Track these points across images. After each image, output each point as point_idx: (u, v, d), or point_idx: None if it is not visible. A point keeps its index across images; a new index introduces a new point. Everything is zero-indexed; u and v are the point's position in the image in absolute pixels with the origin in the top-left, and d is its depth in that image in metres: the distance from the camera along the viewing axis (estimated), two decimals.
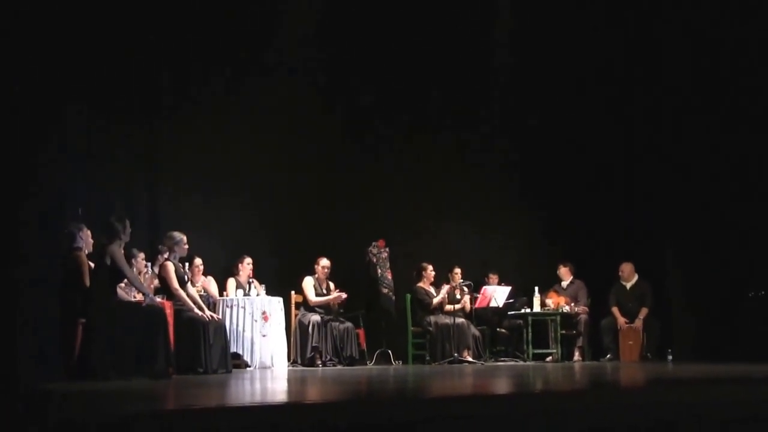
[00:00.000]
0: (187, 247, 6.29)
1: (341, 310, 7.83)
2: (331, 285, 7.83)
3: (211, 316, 6.37)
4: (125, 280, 5.69)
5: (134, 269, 6.36)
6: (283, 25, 8.05)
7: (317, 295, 7.68)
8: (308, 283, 7.68)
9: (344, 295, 7.67)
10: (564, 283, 8.58)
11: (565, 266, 8.56)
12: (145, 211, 7.41)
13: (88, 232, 5.65)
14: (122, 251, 5.48)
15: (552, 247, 8.84)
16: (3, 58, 4.58)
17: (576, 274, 8.58)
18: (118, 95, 7.19)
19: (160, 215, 7.45)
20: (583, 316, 8.28)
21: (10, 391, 4.18)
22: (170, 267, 6.13)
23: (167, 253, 6.22)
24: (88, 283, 5.37)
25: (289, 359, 7.35)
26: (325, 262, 7.76)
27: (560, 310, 8.20)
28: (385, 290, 8.21)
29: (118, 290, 5.65)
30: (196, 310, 6.22)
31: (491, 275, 8.57)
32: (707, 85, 7.73)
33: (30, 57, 4.77)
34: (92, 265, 5.53)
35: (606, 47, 8.71)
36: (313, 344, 7.32)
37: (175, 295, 6.14)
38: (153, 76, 7.44)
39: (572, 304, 8.32)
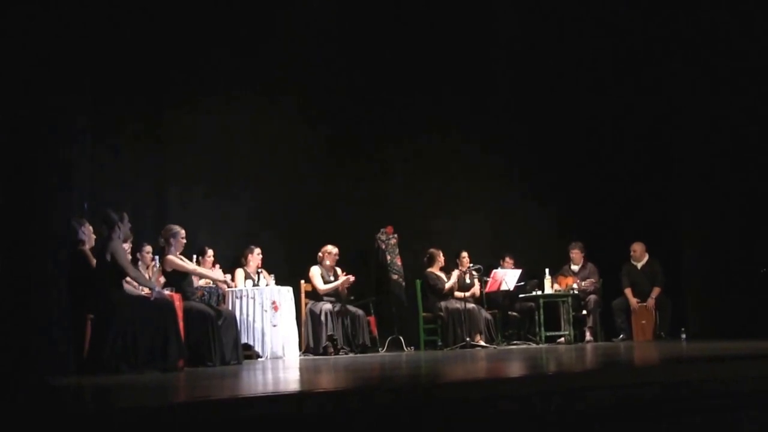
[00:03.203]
0: (184, 241, 6.21)
1: (351, 297, 7.79)
2: (339, 271, 7.79)
3: (225, 281, 6.53)
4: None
5: (141, 263, 6.34)
6: (291, 18, 7.98)
7: (325, 282, 7.64)
8: (315, 273, 7.63)
9: (352, 278, 7.60)
10: (575, 267, 8.51)
11: (576, 249, 8.48)
12: (152, 203, 7.39)
13: (90, 228, 5.63)
14: (123, 246, 5.43)
15: (562, 229, 8.79)
16: (7, 53, 4.56)
17: (587, 257, 8.50)
18: (124, 88, 7.16)
19: (168, 208, 7.43)
20: (593, 296, 8.23)
21: (22, 385, 4.17)
22: (174, 258, 6.09)
23: (165, 247, 6.14)
24: (91, 277, 5.34)
25: (300, 349, 7.32)
26: (331, 249, 7.71)
27: (570, 291, 8.15)
28: (395, 276, 8.17)
29: (126, 285, 5.61)
30: (214, 275, 6.41)
31: (507, 258, 8.52)
32: (720, 64, 7.63)
33: (33, 51, 4.75)
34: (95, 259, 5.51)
35: (614, 24, 8.62)
36: (328, 332, 7.26)
37: (194, 273, 6.16)
38: (160, 69, 7.39)
39: (580, 282, 8.25)
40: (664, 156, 8.49)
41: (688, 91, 8.04)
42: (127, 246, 5.82)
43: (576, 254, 8.48)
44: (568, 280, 8.34)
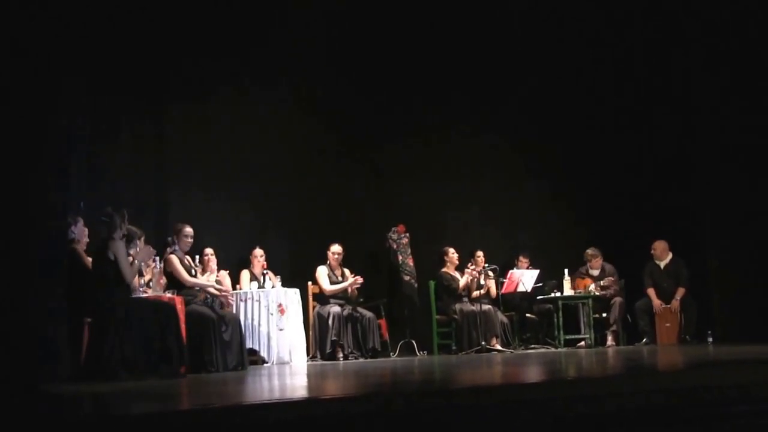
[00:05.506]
0: (190, 240, 6.15)
1: (360, 299, 7.62)
2: (347, 272, 7.62)
3: (226, 293, 6.34)
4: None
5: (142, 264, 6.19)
6: (299, 13, 7.84)
7: (332, 283, 7.47)
8: (322, 273, 7.49)
9: (360, 279, 7.46)
10: (594, 272, 8.26)
11: (597, 258, 8.20)
12: (153, 203, 7.26)
13: (82, 225, 5.50)
14: (124, 246, 5.28)
15: (580, 228, 8.59)
16: (6, 52, 4.47)
17: (604, 258, 8.25)
18: (125, 86, 7.05)
19: (169, 208, 7.29)
20: (618, 299, 8.00)
21: (18, 393, 4.03)
22: (174, 259, 5.99)
23: (171, 246, 6.04)
24: (86, 277, 5.19)
25: (308, 353, 7.15)
26: (336, 248, 7.58)
27: (591, 293, 7.90)
28: (407, 277, 7.97)
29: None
30: (214, 291, 6.17)
31: (522, 258, 8.31)
32: (742, 60, 7.37)
33: (33, 50, 4.67)
34: (89, 259, 5.36)
35: (639, 21, 8.42)
36: (333, 337, 7.11)
37: (188, 284, 5.98)
38: (161, 67, 7.29)
39: (598, 284, 7.99)
40: (687, 150, 8.27)
41: (709, 88, 7.80)
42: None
43: (596, 262, 8.22)
44: (586, 281, 8.10)
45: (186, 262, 6.18)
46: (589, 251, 8.25)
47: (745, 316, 7.21)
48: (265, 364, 6.66)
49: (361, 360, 7.10)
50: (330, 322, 7.12)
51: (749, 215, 7.32)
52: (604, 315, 8.02)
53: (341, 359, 7.07)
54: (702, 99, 7.99)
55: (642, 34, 8.54)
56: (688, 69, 8.20)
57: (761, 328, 6.79)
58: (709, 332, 7.53)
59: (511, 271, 8.03)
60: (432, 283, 7.98)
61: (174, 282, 5.96)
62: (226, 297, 6.36)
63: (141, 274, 5.64)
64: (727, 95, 7.58)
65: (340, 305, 7.31)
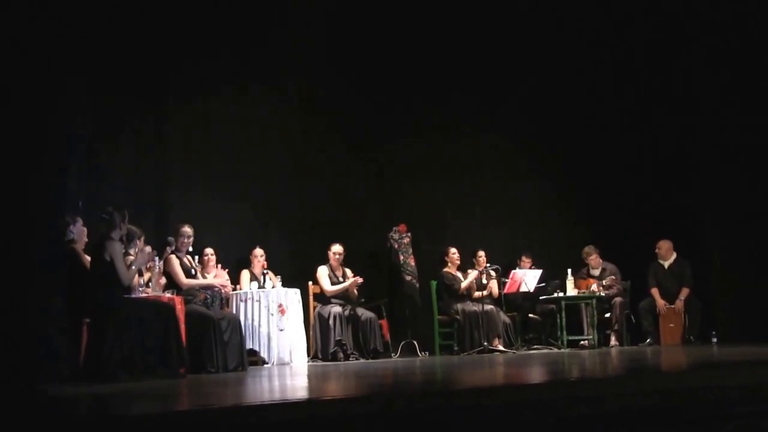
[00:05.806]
0: (186, 240, 6.15)
1: (361, 300, 7.58)
2: (348, 272, 7.58)
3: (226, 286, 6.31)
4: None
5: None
6: (299, 12, 7.81)
7: (332, 283, 7.43)
8: (322, 273, 7.45)
9: (360, 280, 7.43)
10: (594, 272, 8.22)
11: (593, 255, 8.17)
12: (153, 203, 7.23)
13: (81, 224, 5.47)
14: (122, 247, 5.25)
15: (581, 228, 8.54)
16: (6, 52, 4.45)
17: (604, 257, 8.21)
18: (125, 86, 7.02)
19: (169, 208, 7.26)
20: (618, 299, 7.95)
21: (16, 394, 4.00)
22: (174, 260, 5.96)
23: (171, 245, 6.02)
24: (85, 277, 5.16)
25: (308, 354, 7.10)
26: (336, 248, 7.54)
27: (596, 294, 7.87)
28: (409, 277, 7.93)
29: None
30: (213, 282, 6.20)
31: (524, 257, 8.27)
32: (742, 60, 7.35)
33: (33, 50, 4.64)
34: (89, 258, 5.33)
35: (639, 21, 8.39)
36: (336, 338, 7.06)
37: (185, 286, 5.96)
38: (162, 66, 7.26)
39: (599, 284, 7.96)
40: (687, 150, 8.25)
41: (709, 88, 7.79)
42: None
43: (593, 260, 8.20)
44: (589, 281, 8.06)
45: (186, 262, 6.16)
46: (585, 249, 8.22)
47: (746, 317, 7.20)
48: (265, 365, 6.61)
49: (362, 361, 7.05)
50: (331, 322, 7.08)
51: (749, 215, 7.30)
52: (607, 315, 7.99)
53: (342, 360, 7.02)
54: (702, 99, 7.97)
55: (642, 34, 8.52)
56: (688, 69, 8.19)
57: (762, 329, 6.78)
58: (713, 333, 7.50)
59: (513, 271, 7.99)
60: (433, 283, 7.96)
61: (173, 282, 5.94)
62: (225, 287, 6.36)
63: (141, 274, 5.63)
64: (727, 95, 7.55)
65: (341, 305, 7.27)
